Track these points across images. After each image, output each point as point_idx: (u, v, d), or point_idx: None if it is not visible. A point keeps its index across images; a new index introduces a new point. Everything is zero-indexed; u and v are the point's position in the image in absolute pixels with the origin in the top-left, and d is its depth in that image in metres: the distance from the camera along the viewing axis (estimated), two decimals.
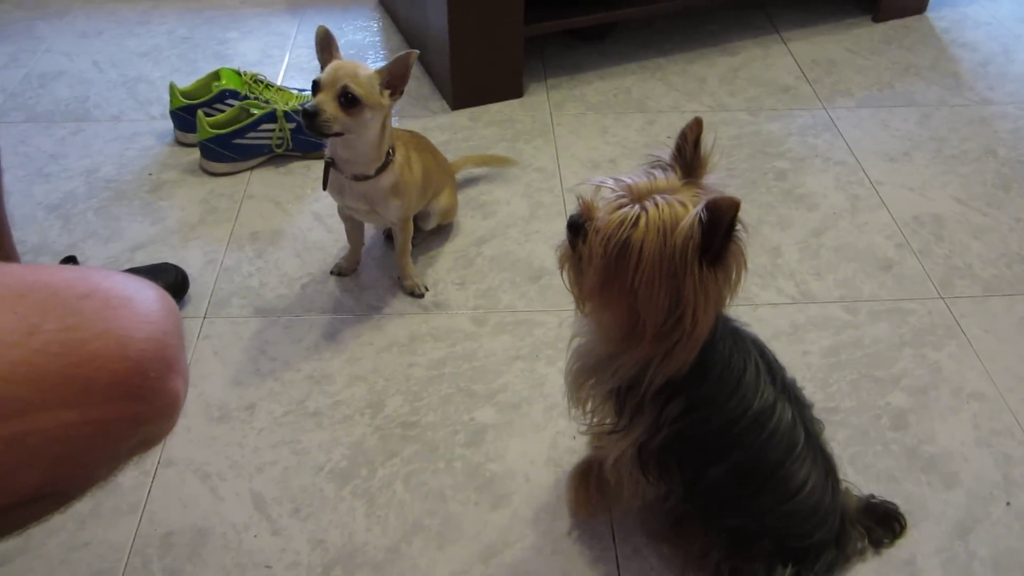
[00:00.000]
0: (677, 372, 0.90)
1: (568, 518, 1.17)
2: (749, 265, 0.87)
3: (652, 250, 0.83)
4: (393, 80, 1.27)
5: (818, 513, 1.01)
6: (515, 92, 2.03)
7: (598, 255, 0.86)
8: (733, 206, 0.80)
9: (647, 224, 0.83)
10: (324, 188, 1.41)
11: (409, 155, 1.41)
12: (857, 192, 1.78)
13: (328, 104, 1.22)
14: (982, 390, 1.36)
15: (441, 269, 1.57)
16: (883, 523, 1.14)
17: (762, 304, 1.51)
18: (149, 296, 0.71)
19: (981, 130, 1.98)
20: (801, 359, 1.40)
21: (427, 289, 1.51)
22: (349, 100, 1.22)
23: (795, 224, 1.69)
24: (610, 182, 0.90)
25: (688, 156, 0.90)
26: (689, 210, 0.82)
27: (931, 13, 2.43)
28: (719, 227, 0.81)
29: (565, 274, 0.94)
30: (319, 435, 1.27)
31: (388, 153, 1.35)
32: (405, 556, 1.12)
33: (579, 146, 1.88)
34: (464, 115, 1.96)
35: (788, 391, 1.00)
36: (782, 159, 1.87)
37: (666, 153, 0.92)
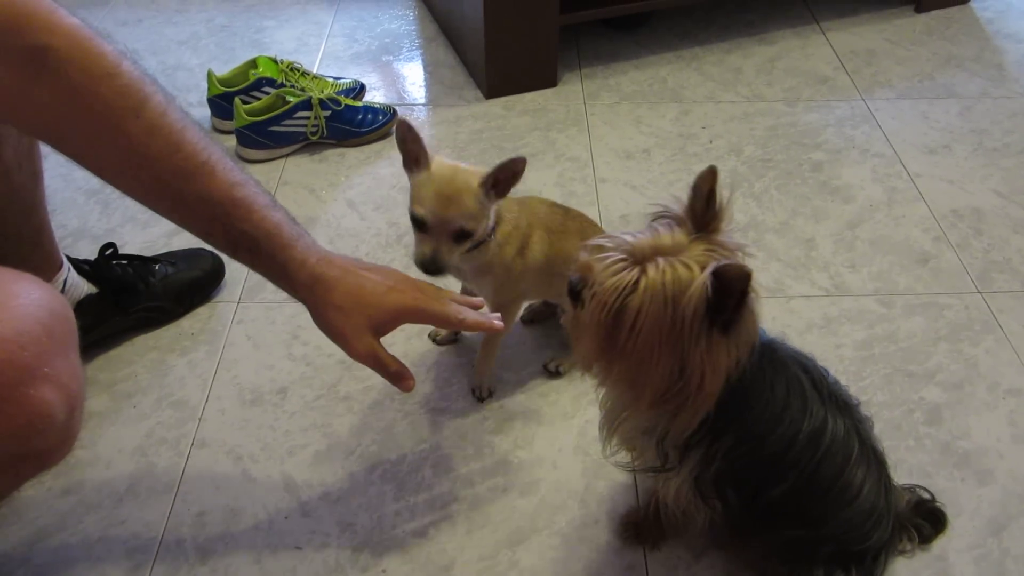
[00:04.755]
0: (688, 428, 0.87)
1: (595, 506, 1.17)
2: (762, 315, 0.82)
3: (652, 317, 0.78)
4: (498, 184, 1.08)
5: (874, 514, 0.98)
6: (549, 81, 2.02)
7: (594, 321, 0.81)
8: (743, 276, 0.74)
9: (646, 289, 0.78)
10: None
11: (530, 235, 1.21)
12: (895, 184, 1.75)
13: (445, 251, 1.09)
14: (1019, 386, 1.34)
15: None
16: (933, 520, 1.11)
17: (795, 296, 1.50)
18: (13, 293, 0.66)
19: None
20: (834, 352, 1.39)
21: (491, 394, 1.33)
22: (463, 236, 1.08)
23: (830, 216, 1.67)
24: (610, 242, 0.83)
25: (699, 209, 0.83)
26: (695, 273, 0.77)
27: (975, 3, 2.38)
28: (729, 296, 0.76)
29: (568, 336, 0.90)
30: (349, 420, 1.29)
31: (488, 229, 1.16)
32: (433, 540, 1.13)
33: (613, 136, 1.87)
34: (498, 104, 1.97)
35: (836, 400, 0.96)
36: (819, 150, 1.85)
37: (676, 205, 0.85)
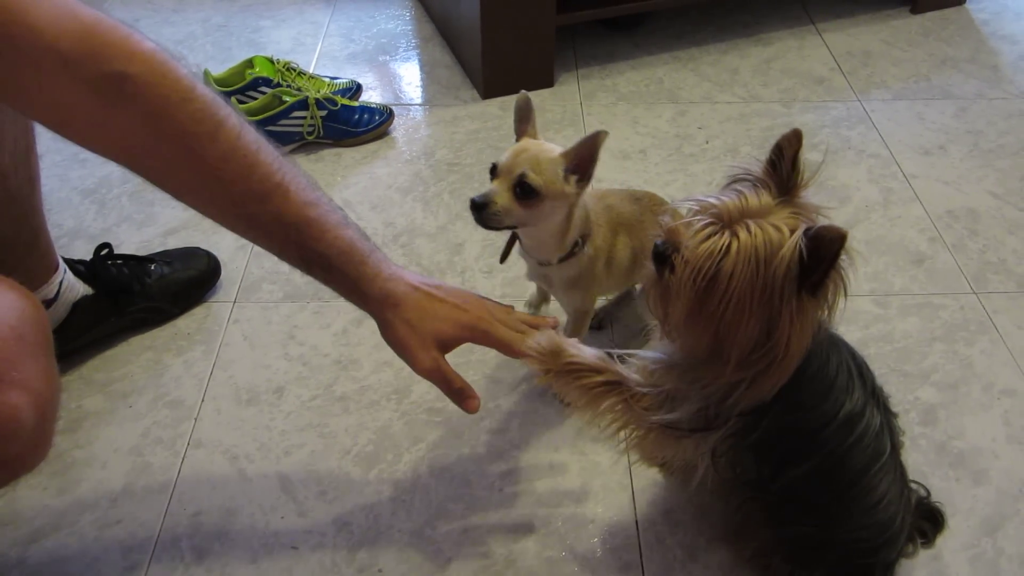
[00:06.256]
0: (769, 393, 0.85)
1: (591, 505, 1.17)
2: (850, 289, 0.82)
3: (744, 280, 0.77)
4: (581, 164, 1.08)
5: (889, 530, 0.97)
6: (546, 82, 2.02)
7: (687, 287, 0.81)
8: (840, 238, 0.74)
9: (739, 253, 0.77)
10: (502, 261, 1.24)
11: (614, 242, 1.21)
12: (890, 185, 1.76)
13: (502, 195, 1.06)
14: (1014, 386, 1.35)
15: (469, 257, 1.57)
16: (932, 519, 1.11)
17: None
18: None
19: (1020, 124, 1.94)
20: None
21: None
22: (527, 191, 1.05)
23: (826, 217, 1.67)
24: (696, 204, 0.83)
25: (785, 173, 0.82)
26: (785, 235, 0.76)
27: (971, 5, 2.39)
28: (823, 259, 0.75)
29: (650, 301, 0.88)
30: (345, 419, 1.29)
31: (577, 242, 1.17)
32: (429, 540, 1.13)
33: (610, 136, 1.87)
34: (495, 104, 1.97)
35: (877, 396, 0.96)
36: (815, 151, 1.84)
37: (756, 166, 0.85)
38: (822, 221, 0.82)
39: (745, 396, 0.87)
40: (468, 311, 0.98)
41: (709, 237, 0.80)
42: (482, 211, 1.06)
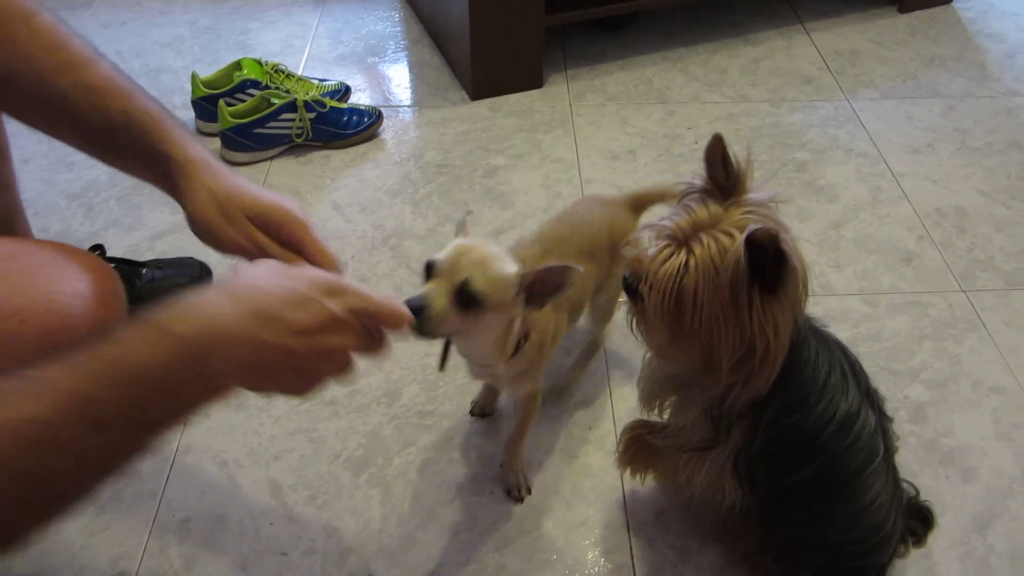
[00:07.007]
0: (760, 392, 0.87)
1: (582, 508, 1.17)
2: (809, 275, 0.84)
3: (707, 291, 0.80)
4: (539, 291, 0.92)
5: (879, 533, 0.98)
6: (535, 82, 2.02)
7: (659, 311, 0.83)
8: (771, 237, 0.76)
9: (696, 267, 0.80)
10: (440, 369, 1.10)
11: (553, 309, 1.06)
12: (879, 184, 1.76)
13: (439, 299, 0.87)
14: (1003, 384, 1.35)
15: None
16: (922, 518, 1.12)
17: None
18: (82, 260, 0.68)
19: (1007, 122, 1.95)
20: None
21: (529, 492, 1.20)
22: (469, 298, 0.88)
23: (815, 216, 1.68)
24: (651, 231, 0.85)
25: (721, 177, 0.85)
26: (736, 238, 0.78)
27: (958, 4, 2.40)
28: (765, 258, 0.77)
29: (635, 331, 0.91)
30: (335, 423, 1.28)
31: (520, 341, 1.01)
32: (420, 544, 1.13)
33: (599, 137, 1.88)
34: (483, 105, 1.96)
35: (872, 397, 0.97)
36: (803, 150, 1.85)
37: (699, 179, 0.87)
38: (772, 214, 0.84)
39: (742, 395, 0.89)
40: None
41: (667, 259, 0.82)
42: (418, 315, 0.85)
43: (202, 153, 0.83)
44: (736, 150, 0.85)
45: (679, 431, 1.01)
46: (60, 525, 1.13)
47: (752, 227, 0.78)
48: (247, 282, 0.65)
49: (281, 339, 0.62)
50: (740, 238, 0.78)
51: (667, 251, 0.82)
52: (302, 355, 0.64)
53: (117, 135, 0.82)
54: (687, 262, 0.80)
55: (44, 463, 0.54)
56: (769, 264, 0.78)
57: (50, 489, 0.55)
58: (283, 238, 0.81)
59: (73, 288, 0.68)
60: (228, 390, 0.63)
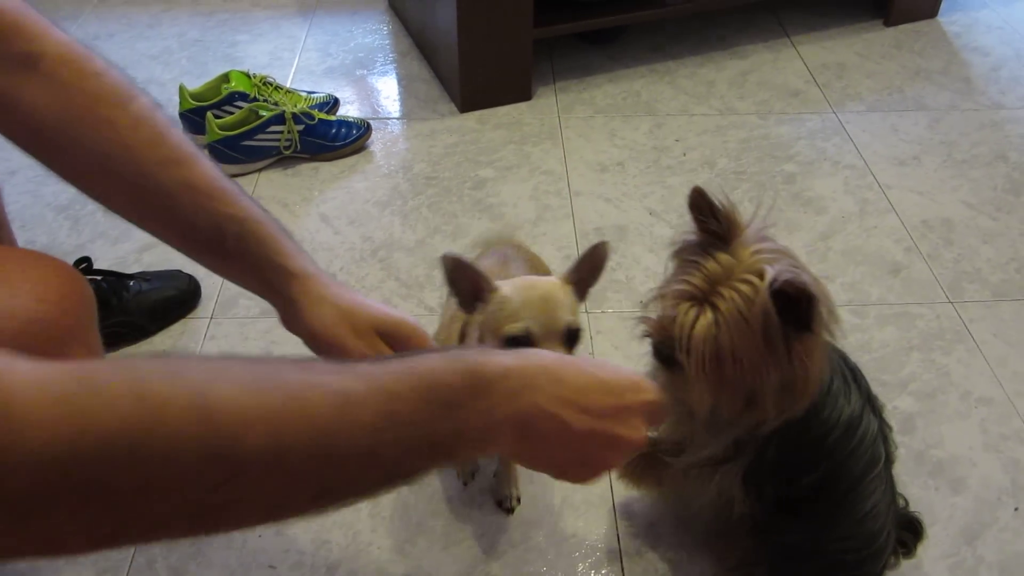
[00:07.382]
0: (798, 416, 0.88)
1: (572, 519, 1.17)
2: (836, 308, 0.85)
3: (743, 342, 0.80)
4: (583, 280, 0.89)
5: (875, 543, 0.98)
6: (524, 95, 2.03)
7: (701, 374, 0.83)
8: (794, 286, 0.77)
9: (727, 323, 0.80)
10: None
11: None
12: (866, 196, 1.77)
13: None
14: (991, 395, 1.36)
15: None
16: (912, 529, 1.11)
17: None
18: (49, 266, 0.68)
19: (992, 134, 1.97)
20: None
21: (519, 502, 1.20)
22: (574, 337, 0.85)
23: (803, 228, 1.68)
24: (668, 295, 0.84)
25: (714, 225, 0.85)
26: (756, 285, 0.79)
27: (943, 17, 2.42)
28: (791, 301, 0.78)
29: (672, 397, 0.88)
30: None
31: None
32: (410, 556, 1.12)
33: (587, 149, 1.88)
34: (472, 118, 1.97)
35: (872, 402, 0.97)
36: (791, 163, 1.86)
37: (691, 233, 0.87)
38: (778, 246, 0.85)
39: (778, 420, 0.89)
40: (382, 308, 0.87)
41: (696, 320, 0.81)
42: None
43: (315, 266, 0.86)
44: (715, 195, 0.85)
45: (696, 450, 1.00)
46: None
47: (771, 275, 0.78)
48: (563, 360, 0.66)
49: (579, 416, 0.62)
50: (762, 286, 0.78)
51: (692, 312, 0.82)
52: (595, 434, 0.63)
53: (225, 240, 0.83)
54: (716, 320, 0.80)
55: (340, 440, 0.53)
56: (799, 307, 0.78)
57: (336, 471, 0.54)
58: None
59: (35, 295, 0.67)
60: (494, 446, 0.62)
